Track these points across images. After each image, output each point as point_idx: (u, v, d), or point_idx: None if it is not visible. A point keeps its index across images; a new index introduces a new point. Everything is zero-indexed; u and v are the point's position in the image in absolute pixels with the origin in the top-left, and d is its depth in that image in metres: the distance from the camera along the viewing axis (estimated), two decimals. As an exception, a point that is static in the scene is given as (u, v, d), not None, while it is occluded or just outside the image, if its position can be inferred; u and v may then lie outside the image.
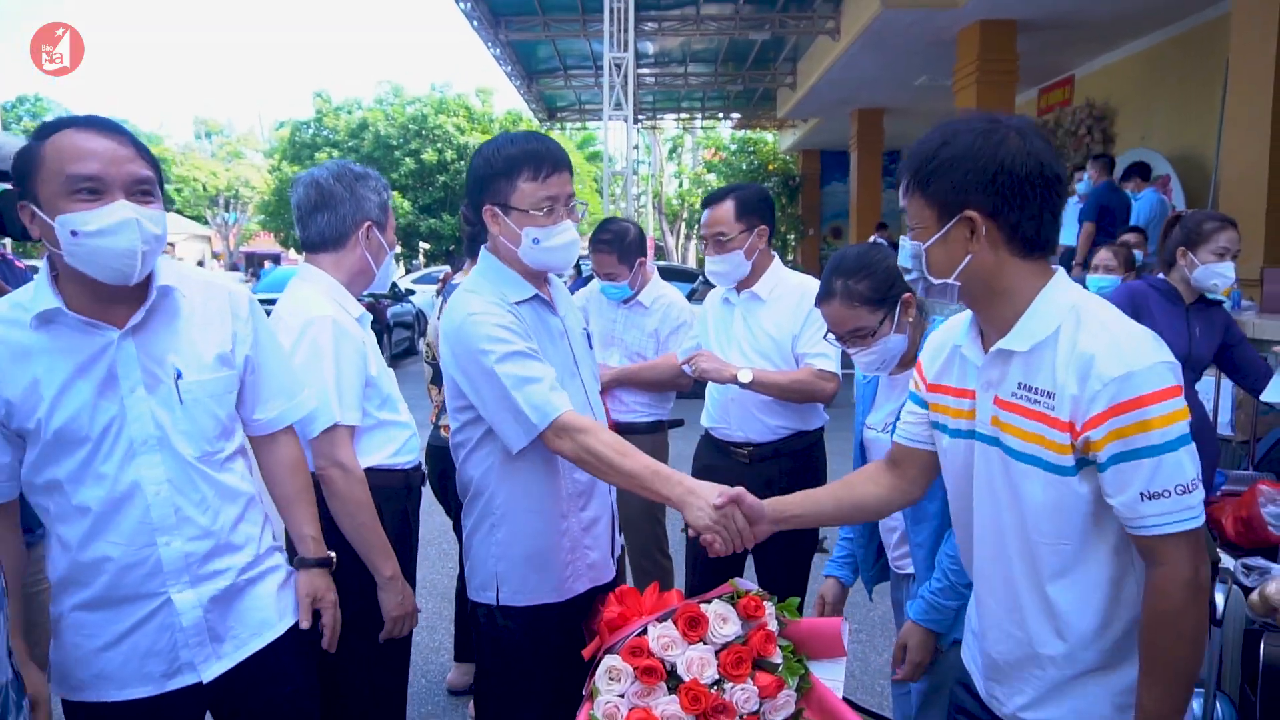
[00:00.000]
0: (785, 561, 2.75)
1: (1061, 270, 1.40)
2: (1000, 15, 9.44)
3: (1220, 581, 2.34)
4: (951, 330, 1.54)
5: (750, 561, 2.78)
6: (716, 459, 2.89)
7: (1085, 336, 1.28)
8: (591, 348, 2.21)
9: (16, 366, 1.49)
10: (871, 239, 15.95)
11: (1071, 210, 7.67)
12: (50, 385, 1.49)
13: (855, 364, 2.17)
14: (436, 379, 3.26)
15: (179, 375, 1.60)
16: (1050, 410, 1.30)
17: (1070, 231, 7.71)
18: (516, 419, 1.83)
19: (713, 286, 2.99)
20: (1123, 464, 1.24)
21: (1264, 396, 3.18)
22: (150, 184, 1.53)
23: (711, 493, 1.78)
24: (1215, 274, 3.20)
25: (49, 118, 1.68)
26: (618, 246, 3.28)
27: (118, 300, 1.54)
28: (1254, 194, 6.20)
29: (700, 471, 2.89)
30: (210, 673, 1.65)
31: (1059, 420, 1.29)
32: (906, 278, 1.46)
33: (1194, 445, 1.25)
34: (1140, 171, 7.77)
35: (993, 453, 1.41)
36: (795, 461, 2.81)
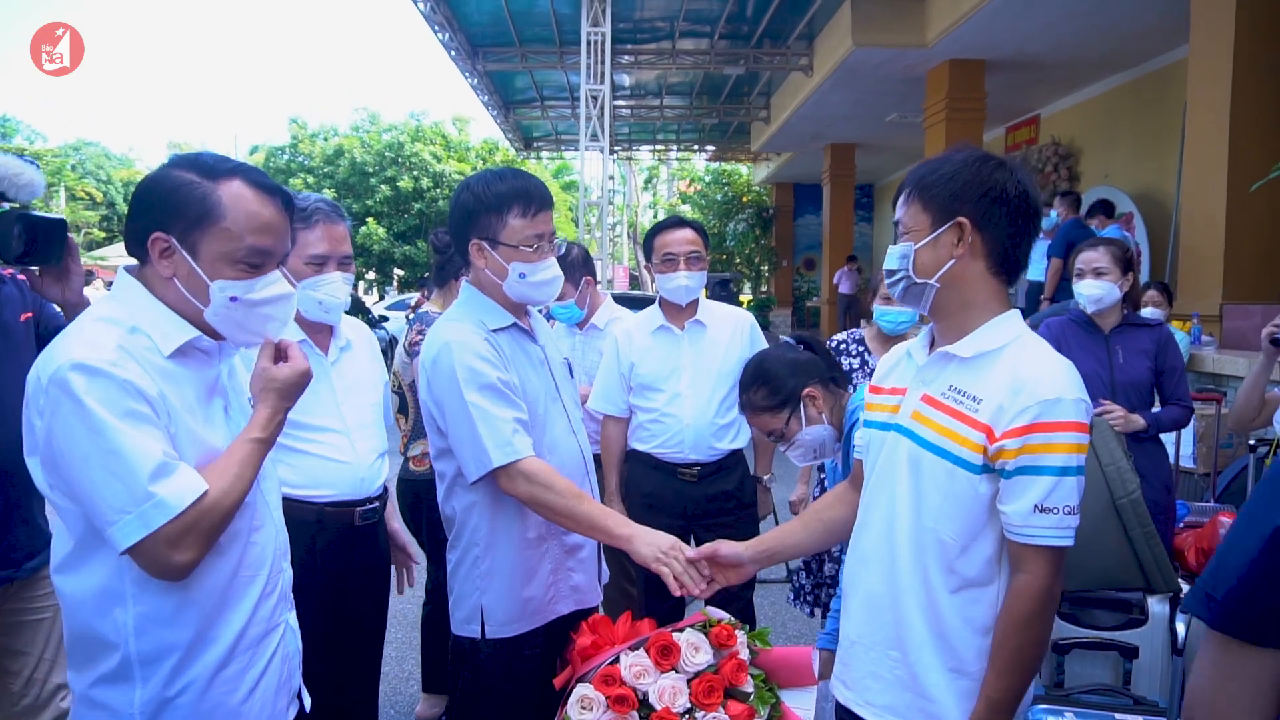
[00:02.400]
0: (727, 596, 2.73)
1: (1018, 310, 1.54)
2: (969, 55, 9.68)
3: (1182, 612, 2.38)
4: (908, 342, 1.66)
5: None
6: (662, 481, 3.00)
7: (1026, 359, 1.43)
8: (572, 376, 2.23)
9: None
10: (843, 269, 16.20)
11: (1039, 246, 7.84)
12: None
13: (790, 458, 2.27)
14: (403, 408, 3.24)
15: None
16: (973, 412, 1.42)
17: (1038, 267, 7.87)
18: (476, 451, 1.85)
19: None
20: (1025, 476, 1.38)
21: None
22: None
23: (659, 537, 1.84)
24: (1077, 293, 3.29)
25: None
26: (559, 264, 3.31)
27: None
28: (1213, 232, 6.36)
29: (647, 498, 3.01)
30: (309, 700, 1.61)
31: (978, 421, 1.41)
32: (888, 280, 1.56)
33: (1084, 479, 1.41)
34: (1104, 208, 7.95)
35: (903, 443, 1.51)
36: (731, 474, 3.04)
